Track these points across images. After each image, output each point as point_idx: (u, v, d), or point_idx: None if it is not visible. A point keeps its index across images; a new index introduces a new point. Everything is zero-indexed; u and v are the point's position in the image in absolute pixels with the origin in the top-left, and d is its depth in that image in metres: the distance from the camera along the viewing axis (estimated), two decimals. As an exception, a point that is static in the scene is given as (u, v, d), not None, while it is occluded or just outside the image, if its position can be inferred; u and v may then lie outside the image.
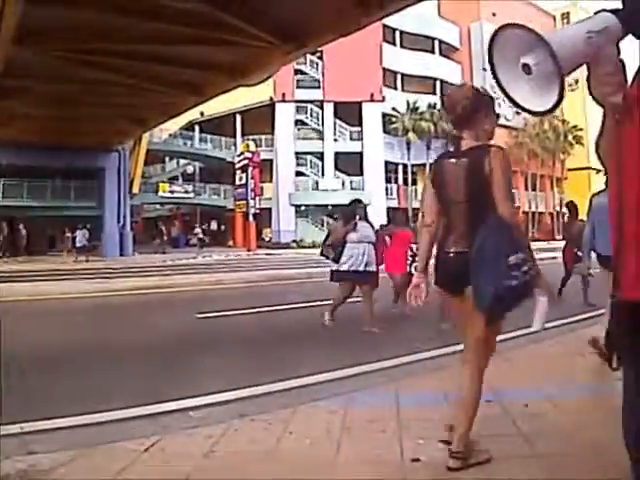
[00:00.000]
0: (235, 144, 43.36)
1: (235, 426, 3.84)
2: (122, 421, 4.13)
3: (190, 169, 46.44)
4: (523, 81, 1.41)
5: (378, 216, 39.25)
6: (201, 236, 37.15)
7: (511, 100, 1.45)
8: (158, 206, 49.47)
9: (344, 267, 7.99)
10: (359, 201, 8.79)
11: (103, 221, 31.19)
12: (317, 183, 42.51)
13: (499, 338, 3.23)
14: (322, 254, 8.41)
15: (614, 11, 1.47)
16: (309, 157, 43.16)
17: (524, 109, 1.45)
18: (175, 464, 3.24)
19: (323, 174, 43.03)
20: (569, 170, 55.47)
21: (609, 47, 1.44)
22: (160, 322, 9.44)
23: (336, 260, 8.08)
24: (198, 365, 6.13)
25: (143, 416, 4.21)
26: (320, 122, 43.32)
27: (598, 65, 1.44)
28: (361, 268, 7.92)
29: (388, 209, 42.82)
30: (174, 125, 37.47)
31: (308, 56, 39.50)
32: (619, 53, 1.47)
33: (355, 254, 7.93)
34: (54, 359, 6.45)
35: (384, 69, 44.51)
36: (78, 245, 27.72)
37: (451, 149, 3.20)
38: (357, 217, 8.26)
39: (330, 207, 41.95)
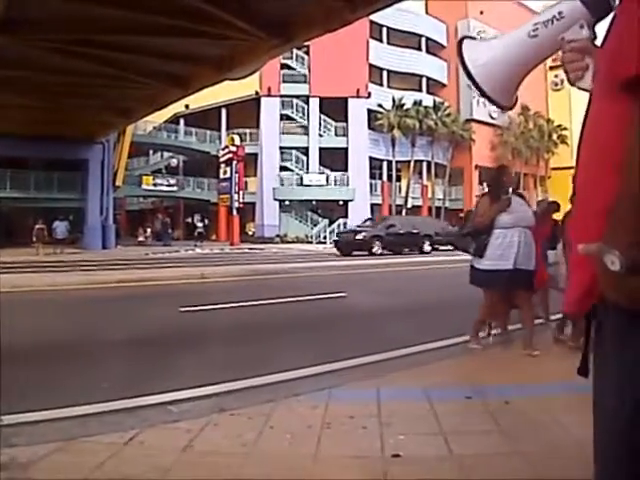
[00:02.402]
0: (220, 138, 43.16)
1: (215, 420, 3.83)
2: (102, 414, 4.09)
3: (174, 162, 46.20)
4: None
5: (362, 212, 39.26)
6: (201, 230, 36.74)
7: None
8: (141, 199, 49.23)
9: (490, 264, 5.67)
10: (505, 167, 6.77)
11: (86, 213, 30.96)
12: (301, 178, 42.37)
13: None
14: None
15: None
16: (294, 152, 43.06)
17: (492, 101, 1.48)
18: (155, 458, 3.23)
19: (308, 169, 42.94)
20: (553, 169, 55.76)
21: (567, 33, 1.33)
22: (142, 315, 9.39)
23: (480, 253, 5.75)
24: (179, 359, 6.10)
25: (123, 409, 4.18)
26: (305, 117, 43.22)
27: (562, 53, 1.34)
28: (511, 265, 5.56)
29: (372, 205, 42.95)
30: (159, 118, 37.20)
31: (294, 51, 39.49)
32: (595, 37, 1.32)
33: (507, 244, 5.60)
34: (34, 352, 6.38)
35: (370, 65, 44.44)
36: (59, 237, 27.50)
37: None
38: (507, 191, 5.87)
39: (314, 202, 41.93)
